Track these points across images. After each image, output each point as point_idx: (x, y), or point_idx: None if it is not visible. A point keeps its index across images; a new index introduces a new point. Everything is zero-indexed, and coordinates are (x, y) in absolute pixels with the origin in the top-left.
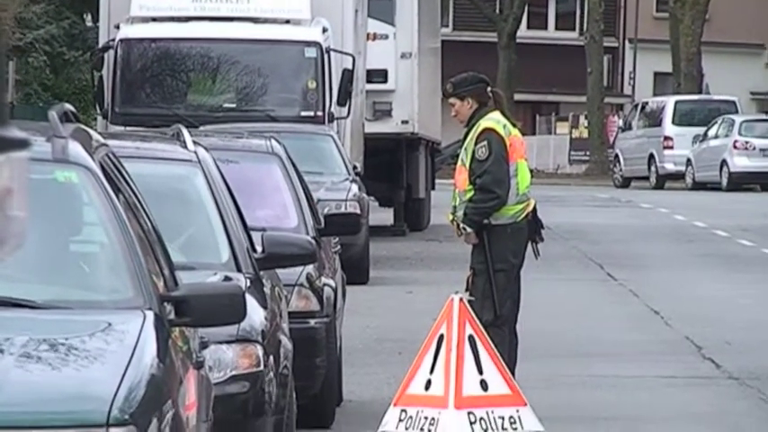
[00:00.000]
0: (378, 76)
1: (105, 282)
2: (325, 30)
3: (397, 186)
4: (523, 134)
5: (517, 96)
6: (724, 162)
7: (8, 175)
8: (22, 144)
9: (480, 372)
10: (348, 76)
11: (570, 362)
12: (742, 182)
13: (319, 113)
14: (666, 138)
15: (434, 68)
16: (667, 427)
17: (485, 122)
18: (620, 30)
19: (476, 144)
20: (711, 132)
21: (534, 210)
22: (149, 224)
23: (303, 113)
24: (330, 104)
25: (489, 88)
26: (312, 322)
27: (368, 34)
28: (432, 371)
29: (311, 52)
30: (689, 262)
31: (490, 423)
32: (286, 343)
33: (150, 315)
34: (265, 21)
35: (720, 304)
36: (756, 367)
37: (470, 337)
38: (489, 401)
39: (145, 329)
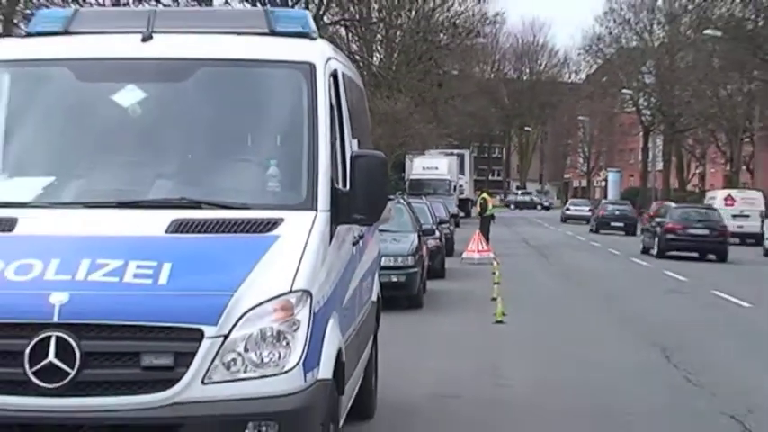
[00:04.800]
0: (460, 187)
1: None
2: (452, 176)
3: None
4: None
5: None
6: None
7: (390, 205)
8: (390, 199)
9: (481, 244)
10: (460, 189)
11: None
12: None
13: (448, 193)
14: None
15: (471, 182)
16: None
17: (484, 195)
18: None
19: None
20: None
21: (491, 213)
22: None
23: (447, 193)
24: (452, 191)
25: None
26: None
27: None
28: (469, 245)
29: (451, 183)
30: (574, 250)
31: (483, 260)
32: (441, 245)
33: (416, 235)
34: (438, 172)
35: (579, 262)
36: (609, 289)
37: (480, 236)
38: (484, 252)
39: (415, 237)
